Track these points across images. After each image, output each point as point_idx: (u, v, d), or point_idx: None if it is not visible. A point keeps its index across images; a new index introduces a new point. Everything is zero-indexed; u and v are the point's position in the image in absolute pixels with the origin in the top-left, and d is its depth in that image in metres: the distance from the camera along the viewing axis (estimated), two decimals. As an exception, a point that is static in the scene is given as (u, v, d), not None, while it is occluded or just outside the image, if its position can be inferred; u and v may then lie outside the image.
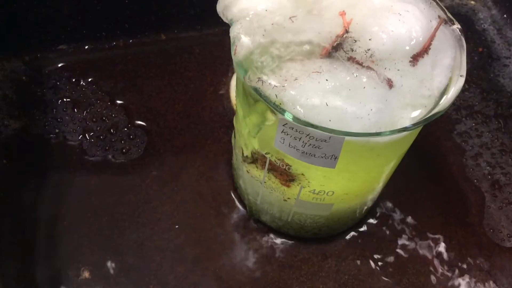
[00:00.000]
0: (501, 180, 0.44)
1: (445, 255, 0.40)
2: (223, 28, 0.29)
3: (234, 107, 0.45)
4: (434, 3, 0.31)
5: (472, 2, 0.58)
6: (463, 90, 0.50)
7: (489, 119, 0.48)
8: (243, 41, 0.27)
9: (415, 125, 0.26)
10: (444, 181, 0.44)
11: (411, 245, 0.41)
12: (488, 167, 0.45)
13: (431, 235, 0.41)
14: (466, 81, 0.50)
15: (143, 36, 0.50)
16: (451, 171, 0.45)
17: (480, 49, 0.54)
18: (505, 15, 0.56)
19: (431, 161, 0.45)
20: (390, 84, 0.27)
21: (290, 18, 0.28)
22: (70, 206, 0.40)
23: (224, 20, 0.30)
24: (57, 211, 0.40)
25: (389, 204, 0.42)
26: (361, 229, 0.41)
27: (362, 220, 0.41)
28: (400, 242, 0.41)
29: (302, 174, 0.32)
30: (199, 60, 0.49)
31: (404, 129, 0.26)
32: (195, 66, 0.49)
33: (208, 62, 0.49)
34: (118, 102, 0.46)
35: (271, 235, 0.40)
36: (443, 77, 0.28)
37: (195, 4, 0.49)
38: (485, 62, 0.53)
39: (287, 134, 0.28)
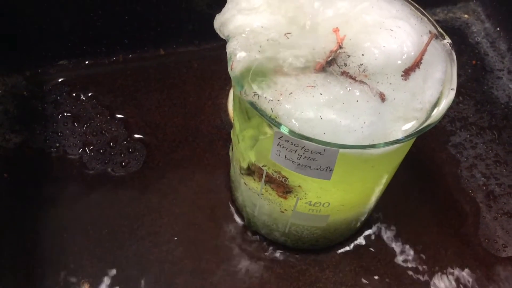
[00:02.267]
0: (495, 191, 0.45)
1: (441, 265, 0.41)
2: (221, 43, 0.30)
3: (232, 120, 0.46)
4: (425, 19, 0.32)
5: (466, 16, 0.59)
6: (457, 102, 0.51)
7: (483, 131, 0.49)
8: (239, 56, 0.28)
9: (407, 137, 0.27)
10: (439, 192, 0.45)
11: (408, 255, 0.41)
12: (482, 178, 0.46)
13: (427, 246, 0.42)
14: (460, 93, 0.51)
15: (143, 51, 0.51)
16: (446, 182, 0.45)
17: (474, 62, 0.55)
18: (498, 28, 0.57)
19: (426, 172, 0.46)
20: (382, 97, 0.27)
21: (285, 34, 0.29)
22: (70, 219, 0.41)
23: (221, 36, 0.30)
24: (57, 224, 0.40)
25: (386, 215, 0.43)
26: (358, 240, 0.42)
27: (359, 231, 0.42)
28: (396, 252, 0.41)
29: (299, 186, 0.32)
30: (198, 74, 0.50)
31: (397, 141, 0.27)
32: (194, 80, 0.50)
33: (206, 76, 0.50)
34: (118, 116, 0.47)
35: (269, 247, 0.41)
36: (434, 90, 0.29)
37: (193, 19, 0.50)
38: (479, 75, 0.53)
39: (283, 147, 0.29)
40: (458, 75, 0.53)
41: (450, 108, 0.49)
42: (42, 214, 0.41)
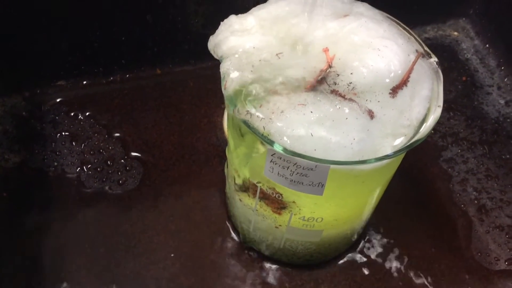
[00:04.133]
0: (487, 205, 0.46)
1: (434, 279, 0.41)
2: (216, 62, 0.31)
3: (227, 137, 0.47)
4: (412, 38, 0.33)
5: (455, 33, 0.60)
6: (448, 118, 0.52)
7: (474, 146, 0.50)
8: (232, 76, 0.29)
9: (396, 153, 0.28)
10: (432, 206, 0.45)
11: (402, 269, 0.42)
12: (474, 192, 0.46)
13: (420, 260, 0.42)
14: (451, 109, 0.52)
15: (139, 71, 0.52)
16: (438, 197, 0.46)
17: (464, 78, 0.56)
18: (487, 45, 0.58)
19: (419, 187, 0.47)
20: (371, 115, 0.28)
21: (276, 54, 0.30)
22: (68, 237, 0.41)
23: (215, 56, 0.31)
24: (55, 242, 0.41)
25: (379, 230, 0.43)
26: (353, 255, 0.42)
27: (353, 246, 0.42)
28: (390, 266, 0.42)
29: (294, 202, 0.33)
30: (193, 93, 0.51)
31: (386, 156, 0.28)
32: (190, 98, 0.51)
33: (202, 95, 0.51)
34: (115, 134, 0.47)
35: (265, 263, 0.41)
36: (421, 107, 0.29)
37: (189, 40, 0.51)
38: (469, 91, 0.55)
39: (276, 164, 0.29)
40: (449, 91, 0.54)
41: (441, 124, 0.51)
42: (40, 232, 0.41)
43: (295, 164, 0.29)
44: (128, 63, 0.51)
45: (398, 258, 0.42)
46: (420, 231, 0.44)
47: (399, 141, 0.29)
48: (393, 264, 0.42)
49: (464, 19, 0.60)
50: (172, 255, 0.41)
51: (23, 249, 0.40)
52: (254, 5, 0.33)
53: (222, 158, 0.47)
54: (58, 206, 0.43)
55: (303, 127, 0.27)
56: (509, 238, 0.44)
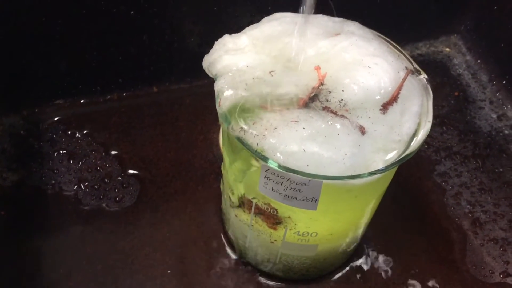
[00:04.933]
0: (481, 218, 0.46)
1: (430, 293, 0.42)
2: (211, 80, 0.32)
3: (223, 154, 0.47)
4: (402, 55, 0.33)
5: (447, 49, 0.61)
6: (441, 133, 0.52)
7: (468, 160, 0.50)
8: (226, 94, 0.30)
9: (387, 167, 0.29)
10: (426, 220, 0.46)
11: (397, 283, 0.42)
12: (468, 206, 0.47)
13: (416, 273, 0.42)
14: (444, 124, 0.53)
15: (136, 89, 0.53)
16: (433, 210, 0.46)
17: (456, 93, 0.57)
18: (478, 60, 0.59)
19: (413, 201, 0.47)
20: (362, 130, 0.29)
21: (269, 72, 0.31)
22: (65, 255, 0.41)
23: (209, 75, 0.32)
24: (53, 260, 0.41)
25: (374, 244, 0.44)
26: (348, 269, 0.42)
27: (348, 260, 0.43)
28: (386, 280, 0.42)
29: (289, 217, 0.34)
30: (190, 110, 0.52)
31: (378, 171, 0.28)
32: (186, 116, 0.51)
33: (198, 112, 0.52)
34: (112, 152, 0.48)
35: (261, 278, 0.41)
36: (411, 123, 0.30)
37: (185, 58, 0.52)
38: (462, 105, 0.55)
39: (270, 179, 0.30)
40: (442, 106, 0.55)
41: (435, 138, 0.52)
42: (38, 250, 0.41)
43: (289, 179, 0.29)
44: (125, 82, 0.52)
45: (393, 272, 0.42)
46: (415, 244, 0.44)
47: (390, 156, 0.29)
48: (389, 278, 0.42)
49: (455, 35, 0.62)
50: (169, 271, 0.41)
51: (21, 267, 0.40)
52: (248, 25, 0.34)
53: (218, 174, 0.47)
54: (55, 223, 0.43)
55: (296, 143, 0.28)
56: (504, 251, 0.44)
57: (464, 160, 0.50)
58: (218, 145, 0.49)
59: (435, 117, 0.53)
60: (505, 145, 0.52)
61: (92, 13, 0.46)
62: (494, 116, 0.55)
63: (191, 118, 0.51)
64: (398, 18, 0.57)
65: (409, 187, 0.48)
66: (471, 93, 0.57)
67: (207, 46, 0.33)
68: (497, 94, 0.56)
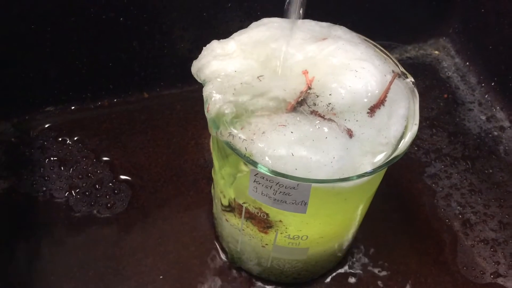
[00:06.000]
0: (471, 219, 0.47)
1: (421, 294, 0.42)
2: (202, 85, 0.32)
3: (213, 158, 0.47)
4: (389, 59, 0.34)
5: (436, 52, 0.62)
6: (431, 135, 0.53)
7: (457, 161, 0.51)
8: (215, 99, 0.30)
9: (375, 169, 0.29)
10: (417, 222, 0.46)
11: (389, 285, 0.42)
12: (458, 207, 0.47)
13: (407, 275, 0.43)
14: (434, 126, 0.53)
15: (127, 95, 0.53)
16: (423, 212, 0.47)
17: (446, 96, 0.57)
18: (467, 63, 0.60)
19: (404, 203, 0.47)
20: (350, 134, 0.29)
21: (257, 77, 0.31)
22: (57, 261, 0.41)
23: (198, 80, 0.32)
24: (44, 266, 0.41)
25: (366, 246, 0.44)
26: (340, 272, 0.43)
27: (340, 263, 0.43)
28: (378, 282, 0.42)
29: (280, 221, 0.34)
30: (181, 115, 0.52)
31: (365, 174, 0.29)
32: (177, 121, 0.52)
33: (189, 117, 0.52)
34: (103, 158, 0.48)
35: (253, 281, 0.41)
36: (398, 125, 0.30)
37: (175, 64, 0.52)
38: (451, 108, 0.56)
39: (259, 183, 0.30)
40: (431, 109, 0.55)
41: (425, 141, 0.52)
42: (29, 258, 0.41)
43: (278, 183, 0.29)
44: (116, 88, 0.52)
45: (385, 274, 0.43)
46: (406, 246, 0.44)
47: (378, 158, 0.29)
48: (380, 280, 0.42)
49: (444, 38, 0.62)
50: (161, 277, 0.41)
51: (12, 274, 0.40)
52: (238, 30, 0.34)
53: (209, 179, 0.47)
54: (47, 230, 0.43)
55: (284, 147, 0.28)
56: (494, 252, 0.44)
57: (454, 162, 0.51)
58: (209, 150, 0.49)
59: (425, 119, 0.54)
60: (494, 146, 0.52)
61: (81, 20, 0.46)
62: (483, 117, 0.55)
63: (182, 123, 0.51)
64: (387, 22, 0.58)
65: (399, 190, 0.48)
66: (460, 95, 0.57)
67: (198, 51, 0.33)
68: (486, 96, 0.57)
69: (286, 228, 0.34)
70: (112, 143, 0.49)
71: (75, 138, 0.49)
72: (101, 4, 0.46)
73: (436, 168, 0.50)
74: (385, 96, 0.31)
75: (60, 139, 0.49)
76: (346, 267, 0.43)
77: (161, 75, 0.53)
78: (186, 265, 0.42)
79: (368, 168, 0.29)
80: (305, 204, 0.30)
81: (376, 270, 0.43)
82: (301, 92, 0.30)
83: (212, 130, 0.30)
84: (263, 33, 0.33)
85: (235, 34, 0.34)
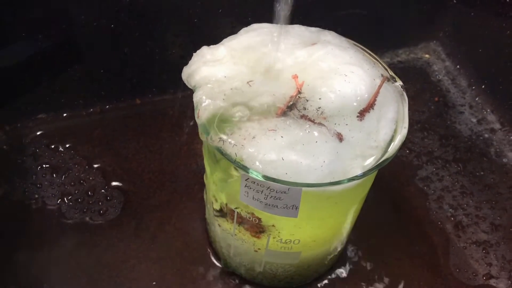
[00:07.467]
0: (463, 221, 0.47)
1: (414, 297, 0.42)
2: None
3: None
4: (378, 63, 0.34)
5: (427, 56, 0.62)
6: (422, 138, 0.53)
7: (449, 164, 0.51)
8: (205, 105, 0.30)
9: (365, 173, 0.29)
10: (409, 225, 0.46)
11: (382, 288, 0.42)
12: (450, 209, 0.48)
13: (400, 278, 0.43)
14: (425, 129, 0.54)
15: (119, 101, 0.53)
16: (416, 215, 0.47)
17: (436, 99, 0.58)
18: (458, 66, 0.60)
19: (396, 206, 0.48)
20: (340, 137, 0.29)
21: (247, 82, 0.31)
22: (50, 269, 0.41)
23: (189, 86, 0.33)
24: (37, 274, 0.41)
25: (358, 250, 0.44)
26: (333, 275, 0.43)
27: (333, 267, 0.43)
28: (370, 286, 0.42)
29: (273, 225, 0.34)
30: (173, 121, 0.52)
31: (356, 177, 0.29)
32: (169, 127, 0.52)
33: (182, 123, 0.52)
34: (96, 165, 0.48)
35: (246, 286, 0.41)
36: (388, 129, 0.31)
37: (167, 70, 0.53)
38: (442, 110, 0.56)
39: (250, 188, 0.30)
40: (422, 112, 0.56)
41: (416, 144, 0.52)
42: (22, 265, 0.41)
43: (269, 188, 0.29)
44: (108, 95, 0.52)
45: (378, 277, 0.43)
46: (398, 249, 0.45)
47: (368, 162, 0.30)
48: (373, 283, 0.42)
49: (434, 42, 0.63)
50: (154, 283, 0.41)
51: (4, 282, 0.40)
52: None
53: (202, 184, 0.47)
54: (39, 238, 0.43)
55: (275, 151, 0.28)
56: (486, 253, 0.45)
57: (446, 164, 0.51)
58: (201, 155, 0.49)
59: (416, 122, 0.54)
60: (485, 148, 0.53)
61: (72, 27, 0.47)
62: (474, 120, 0.55)
63: (175, 129, 0.51)
64: (377, 26, 0.58)
65: (391, 193, 0.48)
66: (451, 98, 0.58)
67: (189, 57, 0.33)
68: (477, 99, 0.57)
69: (279, 232, 0.34)
70: (105, 149, 0.49)
71: (67, 145, 0.49)
72: (93, 11, 0.46)
73: (428, 171, 0.50)
74: (375, 100, 0.31)
75: (52, 146, 0.49)
76: (339, 271, 0.43)
77: (153, 81, 0.53)
78: (179, 271, 0.42)
79: (359, 172, 0.29)
80: (296, 208, 0.30)
81: (368, 273, 0.43)
82: (291, 97, 0.31)
83: (202, 136, 0.30)
84: (253, 38, 0.34)
85: (225, 40, 0.34)
